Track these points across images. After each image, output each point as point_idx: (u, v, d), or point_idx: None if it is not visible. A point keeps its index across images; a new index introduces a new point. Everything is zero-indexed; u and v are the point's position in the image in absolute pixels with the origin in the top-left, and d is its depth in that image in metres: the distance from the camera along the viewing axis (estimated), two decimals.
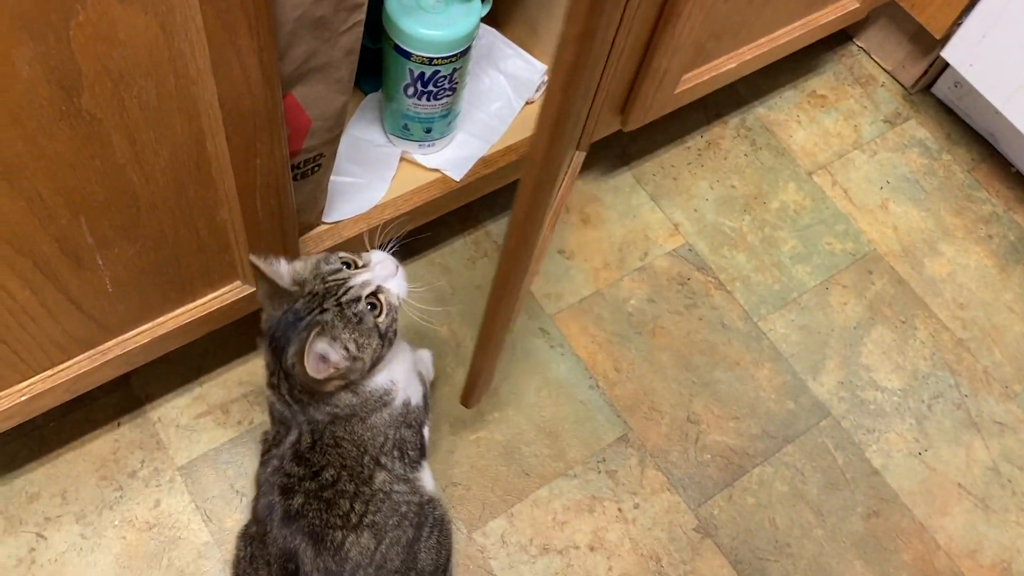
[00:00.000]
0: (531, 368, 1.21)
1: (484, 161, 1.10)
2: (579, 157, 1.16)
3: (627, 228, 1.33)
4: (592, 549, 1.10)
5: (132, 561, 1.03)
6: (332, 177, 0.99)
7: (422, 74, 0.99)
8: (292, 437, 0.87)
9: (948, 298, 1.34)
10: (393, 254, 0.89)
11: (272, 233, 0.91)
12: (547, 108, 0.61)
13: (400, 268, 0.87)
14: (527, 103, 1.15)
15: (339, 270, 0.84)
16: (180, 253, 0.88)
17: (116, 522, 1.05)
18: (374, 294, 0.84)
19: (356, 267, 0.86)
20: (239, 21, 0.68)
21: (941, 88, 1.51)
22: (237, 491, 1.08)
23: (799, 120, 1.48)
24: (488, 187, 1.14)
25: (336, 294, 0.82)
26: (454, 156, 1.10)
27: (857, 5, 1.32)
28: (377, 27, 0.98)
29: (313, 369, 0.79)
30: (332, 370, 0.82)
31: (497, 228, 1.30)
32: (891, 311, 1.32)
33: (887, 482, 1.19)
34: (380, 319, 0.84)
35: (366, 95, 1.12)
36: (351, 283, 0.83)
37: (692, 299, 1.29)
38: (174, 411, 1.12)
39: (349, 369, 0.83)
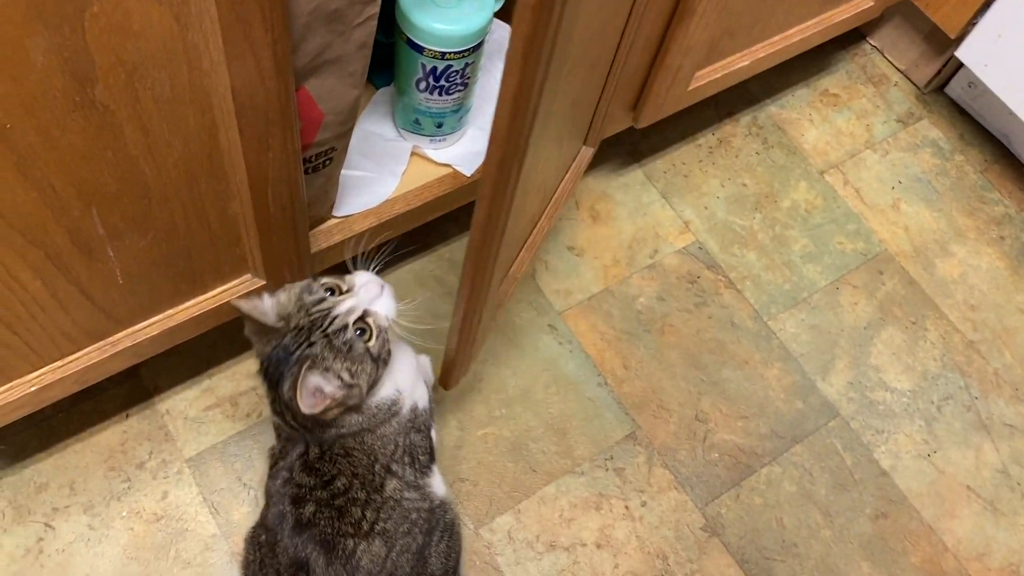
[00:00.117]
0: (539, 365, 1.20)
1: None
2: (586, 152, 1.16)
3: (637, 225, 1.33)
4: (599, 547, 1.10)
5: (139, 552, 1.03)
6: (343, 171, 0.99)
7: (434, 69, 0.99)
8: (299, 449, 0.87)
9: (959, 299, 1.33)
10: (385, 265, 0.89)
11: (283, 226, 0.91)
12: (507, 79, 0.60)
13: (386, 288, 0.86)
14: None
15: (322, 299, 0.82)
16: (191, 245, 0.88)
17: (124, 513, 1.05)
18: (361, 319, 0.82)
19: (340, 292, 0.84)
20: (253, 14, 0.68)
21: (954, 88, 1.50)
22: (245, 484, 1.08)
23: (811, 119, 1.47)
24: None
25: (322, 326, 0.81)
26: (465, 151, 1.10)
27: (871, 4, 1.32)
28: (390, 21, 0.97)
29: (308, 405, 0.79)
30: (329, 401, 0.81)
31: None
32: (901, 312, 1.31)
33: (896, 483, 1.18)
34: (371, 344, 0.82)
35: (378, 89, 1.12)
36: (336, 312, 0.81)
37: (702, 297, 1.28)
38: (182, 403, 1.12)
39: (346, 397, 0.82)
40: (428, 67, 0.98)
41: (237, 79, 0.72)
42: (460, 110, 1.06)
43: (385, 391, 0.88)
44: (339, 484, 0.85)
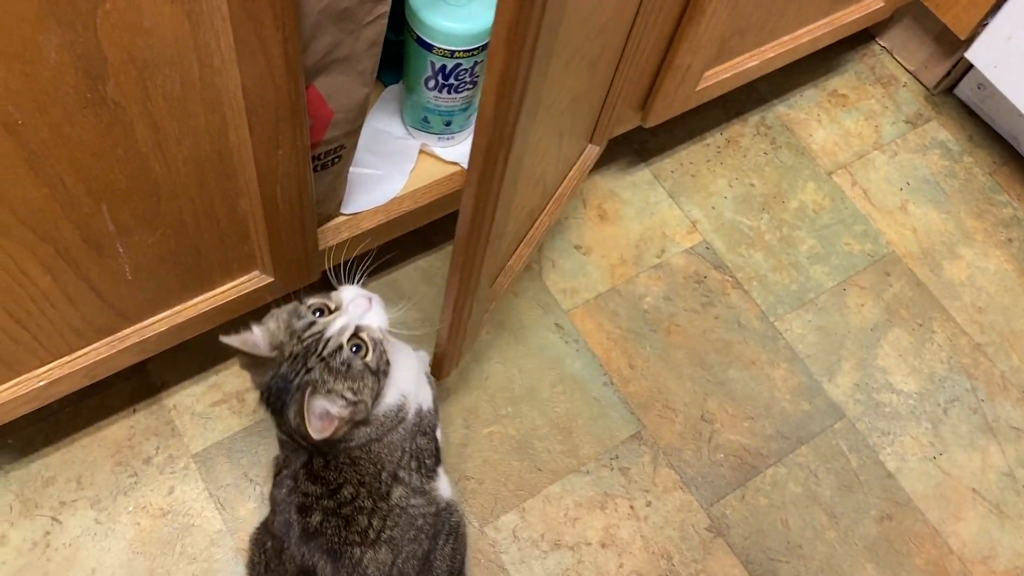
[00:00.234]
0: (545, 363, 1.20)
1: None
2: (592, 151, 1.15)
3: (644, 225, 1.33)
4: (603, 546, 1.10)
5: (145, 547, 1.04)
6: (351, 168, 0.99)
7: (443, 67, 0.99)
8: (303, 458, 0.87)
9: (966, 302, 1.33)
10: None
11: (291, 224, 0.91)
12: (491, 64, 0.60)
13: (374, 299, 0.85)
14: None
15: (312, 323, 0.82)
16: (200, 242, 0.88)
17: (130, 508, 1.06)
18: (355, 335, 0.82)
19: (329, 312, 0.83)
20: (264, 12, 0.68)
21: (964, 89, 1.50)
22: (251, 480, 1.08)
23: (819, 119, 1.47)
24: None
25: (317, 350, 0.80)
26: None
27: (881, 4, 1.31)
28: (399, 19, 0.97)
29: (318, 429, 0.78)
30: (337, 423, 0.81)
31: None
32: (908, 314, 1.31)
33: (901, 485, 1.18)
34: (368, 358, 0.82)
35: (386, 87, 1.12)
36: (328, 333, 0.81)
37: (708, 297, 1.28)
38: (189, 399, 1.12)
39: (353, 413, 0.82)
40: (437, 65, 0.98)
41: (248, 77, 0.72)
42: (469, 108, 1.06)
43: (390, 398, 0.87)
44: (346, 493, 0.85)
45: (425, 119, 1.06)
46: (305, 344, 0.80)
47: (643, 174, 1.37)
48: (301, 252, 0.97)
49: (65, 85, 0.65)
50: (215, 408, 1.12)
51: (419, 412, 0.91)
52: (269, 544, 0.88)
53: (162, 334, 0.95)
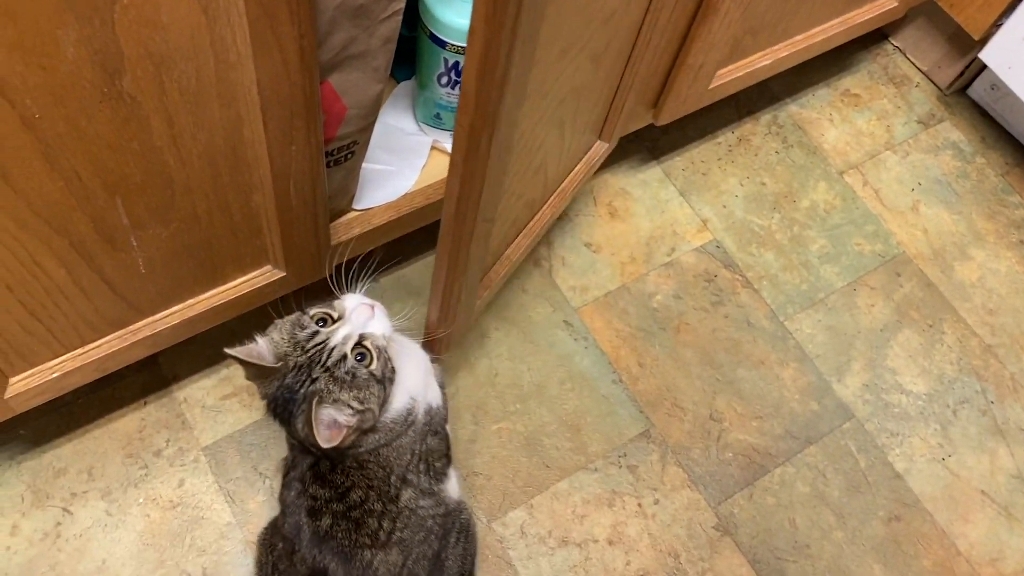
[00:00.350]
0: (554, 361, 1.21)
1: None
2: (601, 147, 1.15)
3: (655, 223, 1.33)
4: (611, 543, 1.11)
5: (155, 539, 1.04)
6: (363, 164, 0.99)
7: (456, 63, 0.99)
8: (309, 460, 0.87)
9: (977, 303, 1.32)
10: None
11: (304, 219, 0.91)
12: (472, 42, 0.60)
13: (377, 307, 0.85)
14: None
15: (316, 333, 0.82)
16: (213, 236, 0.88)
17: (140, 500, 1.06)
18: (359, 344, 0.82)
19: (332, 321, 0.83)
20: (280, 8, 0.68)
21: (977, 90, 1.49)
22: (260, 473, 1.09)
23: (831, 119, 1.46)
24: None
25: (321, 360, 0.80)
26: None
27: (895, 4, 1.31)
28: (412, 15, 0.97)
29: (326, 439, 0.78)
30: (345, 431, 0.81)
31: None
32: (919, 314, 1.31)
33: (909, 486, 1.18)
34: (372, 367, 0.82)
35: (399, 83, 1.12)
36: (332, 343, 0.81)
37: (718, 296, 1.28)
38: (200, 392, 1.12)
39: (361, 422, 0.82)
40: (450, 62, 0.98)
41: (263, 73, 0.72)
42: None
43: (399, 403, 0.87)
44: (355, 496, 0.85)
45: (437, 115, 1.06)
46: (309, 355, 0.80)
47: (654, 172, 1.37)
48: (313, 247, 0.97)
49: (82, 80, 0.65)
50: (225, 401, 1.12)
51: (429, 411, 0.91)
52: (280, 546, 0.88)
53: (174, 327, 0.95)
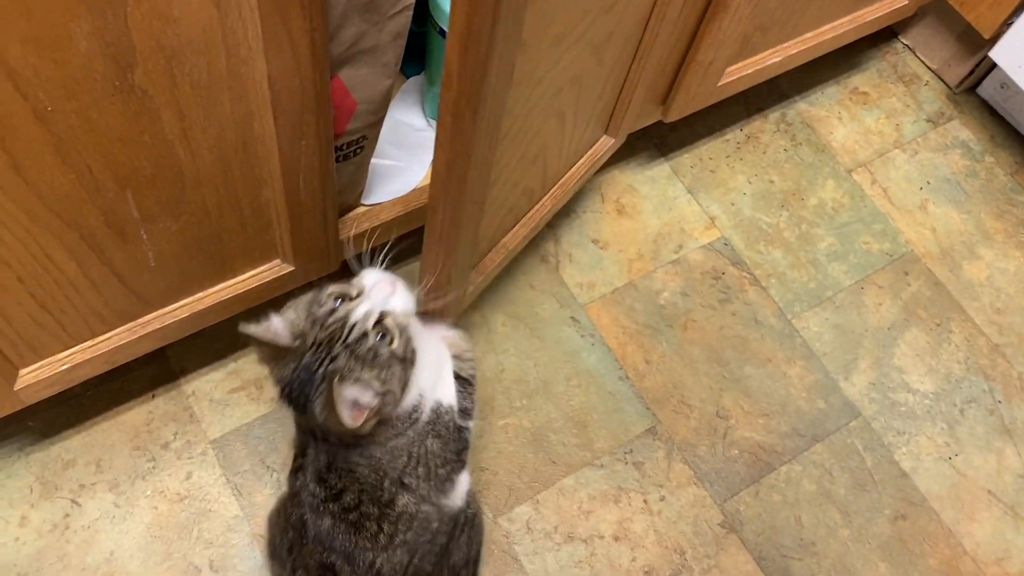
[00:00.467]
0: (561, 357, 1.21)
1: None
2: (607, 142, 1.15)
3: (663, 220, 1.33)
4: (616, 539, 1.11)
5: (163, 531, 1.05)
6: (372, 160, 1.00)
7: None
8: (312, 453, 0.85)
9: (985, 302, 1.32)
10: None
11: (313, 213, 0.91)
12: (455, 19, 0.60)
13: (398, 283, 0.81)
14: None
15: (334, 309, 0.78)
16: (222, 230, 0.88)
17: (148, 492, 1.07)
18: (379, 322, 0.78)
19: (351, 298, 0.79)
20: (292, 2, 0.68)
21: (987, 89, 1.49)
22: (268, 466, 1.09)
23: (840, 117, 1.46)
24: None
25: (341, 337, 0.76)
26: None
27: (905, 2, 1.31)
28: (422, 10, 0.97)
29: (350, 418, 0.75)
30: (367, 412, 0.77)
31: None
32: (926, 313, 1.31)
33: (916, 485, 1.18)
34: (394, 346, 0.78)
35: (408, 79, 1.12)
36: (352, 319, 0.77)
37: (726, 294, 1.28)
38: (208, 385, 1.13)
39: (382, 404, 0.78)
40: None
41: (274, 67, 0.73)
42: None
43: (408, 399, 0.82)
44: (348, 499, 0.83)
45: None
46: (329, 331, 0.76)
47: (662, 169, 1.37)
48: (322, 242, 0.97)
49: (94, 72, 0.65)
50: (233, 395, 1.13)
51: (436, 410, 0.86)
52: (291, 534, 0.87)
53: (183, 321, 0.96)
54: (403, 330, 0.79)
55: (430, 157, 1.08)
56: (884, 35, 1.52)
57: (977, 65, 1.45)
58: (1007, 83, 1.43)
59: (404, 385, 0.80)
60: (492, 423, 1.15)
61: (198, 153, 0.78)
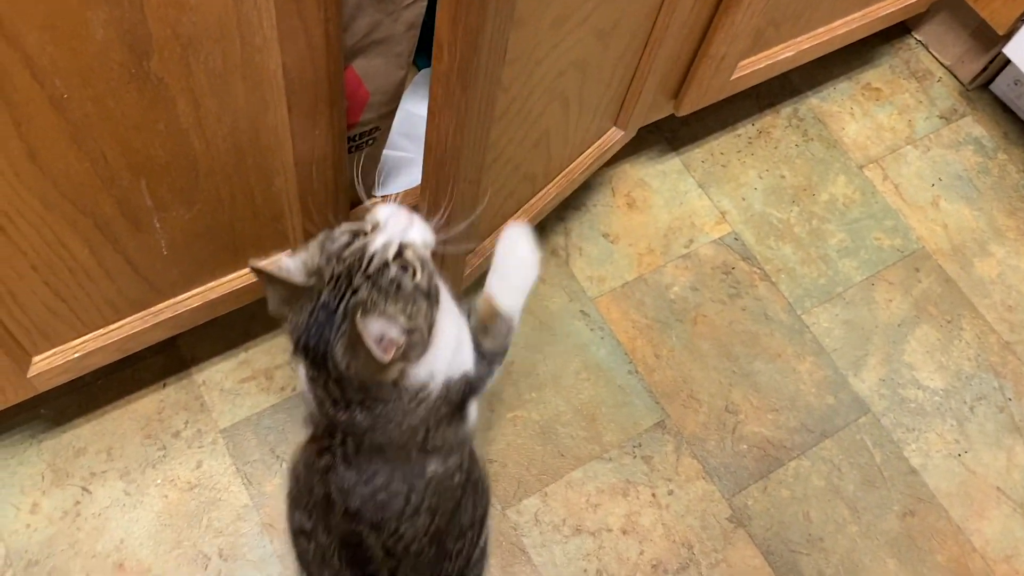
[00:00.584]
0: (570, 350, 1.21)
1: None
2: (616, 134, 1.14)
3: (673, 214, 1.33)
4: (624, 533, 1.11)
5: (172, 520, 1.05)
6: (384, 151, 1.00)
7: None
8: (340, 436, 0.80)
9: (996, 300, 1.32)
10: None
11: (325, 204, 0.92)
12: None
13: (414, 214, 0.75)
14: None
15: (351, 243, 0.72)
16: (235, 219, 0.89)
17: (158, 480, 1.07)
18: (400, 254, 0.72)
19: (366, 233, 0.73)
20: None
21: (1000, 85, 1.48)
22: (278, 456, 1.09)
23: (852, 112, 1.46)
24: None
25: (361, 268, 0.70)
26: None
27: None
28: (435, 1, 0.97)
29: (381, 351, 0.68)
30: (394, 351, 0.70)
31: None
32: (937, 310, 1.30)
33: (925, 482, 1.18)
34: (418, 279, 0.72)
35: (420, 70, 1.12)
36: (371, 250, 0.71)
37: (736, 289, 1.28)
38: (219, 375, 1.13)
39: (409, 344, 0.71)
40: None
41: (288, 56, 0.73)
42: None
43: (418, 376, 0.76)
44: (379, 481, 0.80)
45: None
46: (347, 263, 0.70)
47: (673, 163, 1.37)
48: None
49: (110, 60, 0.65)
50: (244, 385, 1.13)
51: (447, 384, 0.80)
52: (318, 503, 0.84)
53: (195, 310, 0.96)
54: (425, 263, 0.73)
55: None
56: (897, 31, 1.51)
57: (991, 62, 1.44)
58: (1021, 80, 1.43)
59: (430, 326, 0.73)
60: (501, 415, 1.16)
61: (212, 142, 0.78)
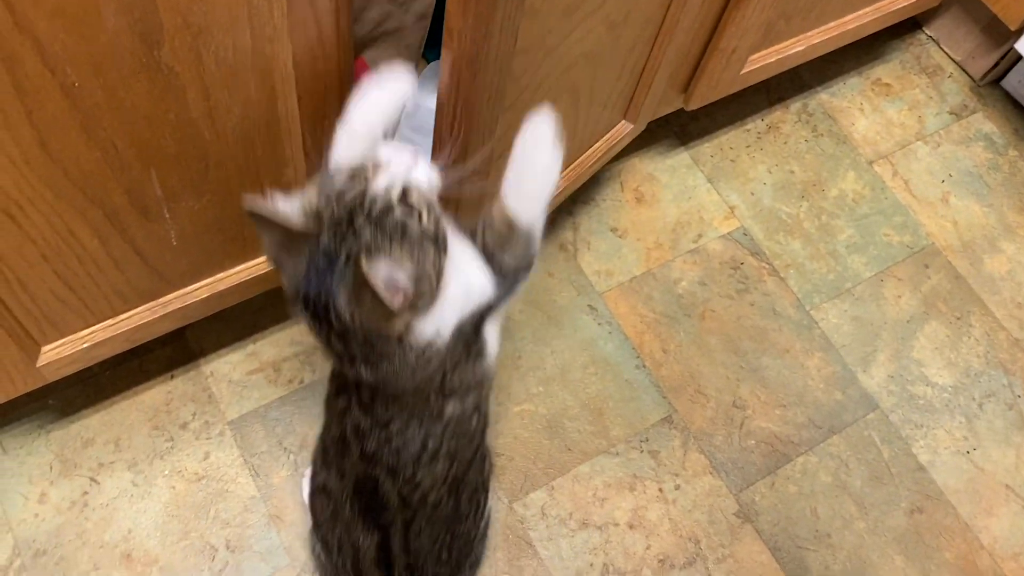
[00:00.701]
0: (578, 345, 1.21)
1: None
2: (626, 127, 1.14)
3: (682, 209, 1.32)
4: (631, 527, 1.11)
5: (180, 511, 1.05)
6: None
7: None
8: (354, 387, 0.77)
9: (1006, 296, 1.31)
10: None
11: None
12: None
13: (419, 153, 0.70)
14: None
15: (351, 185, 0.67)
16: (244, 211, 0.88)
17: (166, 472, 1.07)
18: (404, 197, 0.67)
19: (367, 176, 0.68)
20: None
21: (1011, 81, 1.47)
22: (285, 448, 1.09)
23: (862, 108, 1.45)
24: None
25: (364, 210, 0.66)
26: None
27: None
28: None
29: (389, 295, 0.63)
30: (402, 297, 0.66)
31: None
32: (946, 307, 1.30)
33: (933, 479, 1.17)
34: (424, 223, 0.67)
35: (428, 63, 1.12)
36: (374, 192, 0.66)
37: (744, 284, 1.28)
38: (226, 366, 1.13)
39: (418, 292, 0.67)
40: None
41: (299, 46, 0.73)
42: None
43: (421, 331, 0.70)
44: (395, 426, 0.76)
45: None
46: (348, 206, 0.66)
47: (682, 158, 1.36)
48: None
49: (121, 49, 0.65)
50: (251, 376, 1.13)
51: (460, 327, 0.74)
52: (336, 442, 0.82)
53: (203, 301, 0.96)
54: (431, 207, 0.68)
55: None
56: (908, 26, 1.51)
57: (1002, 57, 1.43)
58: None
59: (439, 274, 0.68)
60: (508, 409, 1.15)
61: (222, 132, 0.78)
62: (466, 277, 0.73)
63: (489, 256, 0.75)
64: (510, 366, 1.18)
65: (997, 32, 1.41)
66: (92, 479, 1.06)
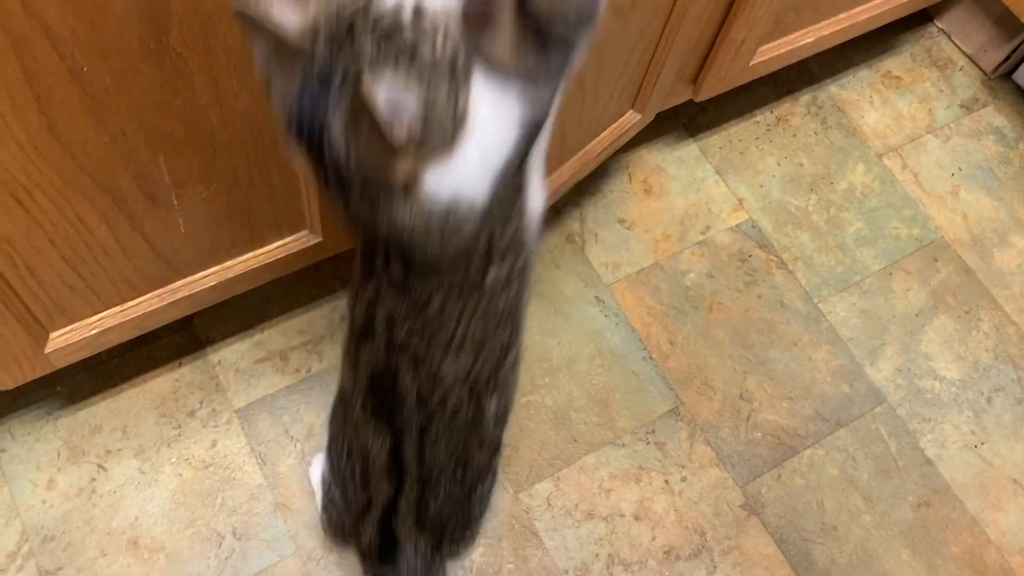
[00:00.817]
0: (585, 336, 1.20)
1: None
2: (633, 118, 1.14)
3: (690, 201, 1.32)
4: (637, 518, 1.11)
5: (187, 498, 1.06)
6: None
7: None
8: (380, 258, 0.69)
9: (1016, 291, 1.31)
10: None
11: None
12: None
13: None
14: None
15: (354, 1, 0.57)
16: (251, 198, 0.89)
17: (173, 459, 1.08)
18: (416, 18, 0.56)
19: None
20: None
21: (1022, 75, 1.46)
22: (292, 437, 1.10)
23: (872, 101, 1.44)
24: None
25: (368, 25, 0.56)
26: None
27: None
28: None
29: (392, 121, 0.54)
30: (411, 127, 0.56)
31: None
32: (955, 300, 1.29)
33: (940, 473, 1.17)
34: (438, 52, 0.56)
35: None
36: (380, 8, 0.56)
37: (752, 276, 1.27)
38: (234, 355, 1.14)
39: (427, 124, 0.56)
40: None
41: None
42: None
43: (442, 191, 0.61)
44: (434, 307, 0.69)
45: None
46: (350, 22, 0.56)
47: (690, 149, 1.36)
48: None
49: (130, 34, 0.65)
50: (259, 365, 1.13)
51: (506, 171, 0.65)
52: (353, 344, 0.77)
53: (211, 289, 0.96)
54: (448, 35, 0.57)
55: None
56: (919, 18, 1.50)
57: (1014, 51, 1.42)
58: None
59: (455, 119, 0.58)
60: (514, 400, 1.15)
61: (230, 119, 0.78)
62: (495, 126, 0.61)
63: (544, 25, 0.61)
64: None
65: (1009, 25, 1.40)
66: (100, 466, 1.06)
